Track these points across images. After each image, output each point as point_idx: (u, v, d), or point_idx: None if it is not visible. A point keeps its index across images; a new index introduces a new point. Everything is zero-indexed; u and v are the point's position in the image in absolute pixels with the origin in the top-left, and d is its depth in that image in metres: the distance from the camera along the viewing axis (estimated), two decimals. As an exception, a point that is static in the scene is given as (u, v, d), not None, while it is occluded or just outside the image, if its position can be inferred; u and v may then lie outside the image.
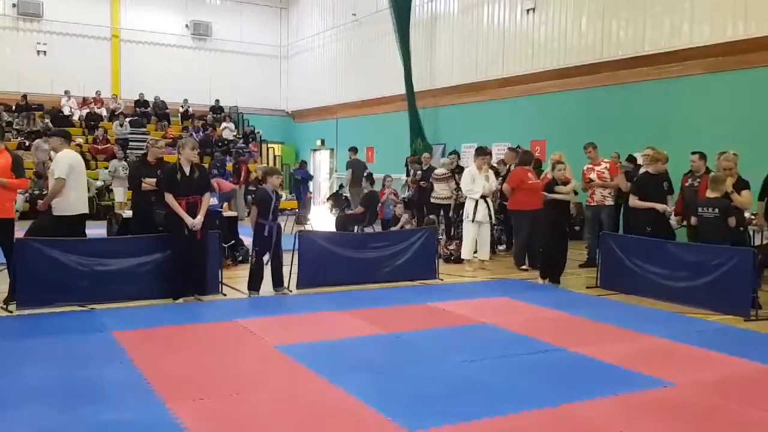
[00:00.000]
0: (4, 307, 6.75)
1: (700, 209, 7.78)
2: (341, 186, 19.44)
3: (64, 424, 3.83)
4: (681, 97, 12.04)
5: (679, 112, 11.99)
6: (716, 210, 7.57)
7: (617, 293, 8.17)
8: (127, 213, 9.13)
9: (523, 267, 9.91)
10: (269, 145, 24.61)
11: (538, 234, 9.40)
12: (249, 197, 13.67)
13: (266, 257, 7.74)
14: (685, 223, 8.76)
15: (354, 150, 17.13)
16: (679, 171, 9.37)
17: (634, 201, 8.53)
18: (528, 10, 15.15)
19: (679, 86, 12.08)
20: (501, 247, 11.81)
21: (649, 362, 5.25)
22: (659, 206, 8.32)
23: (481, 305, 7.49)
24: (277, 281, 7.87)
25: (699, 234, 7.95)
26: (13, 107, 20.77)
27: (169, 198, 7.18)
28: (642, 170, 9.54)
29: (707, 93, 11.61)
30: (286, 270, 8.03)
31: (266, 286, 7.88)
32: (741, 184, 8.00)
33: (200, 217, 7.25)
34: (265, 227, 7.67)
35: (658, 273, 7.83)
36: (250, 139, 23.67)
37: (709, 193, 7.77)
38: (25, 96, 21.21)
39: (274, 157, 24.58)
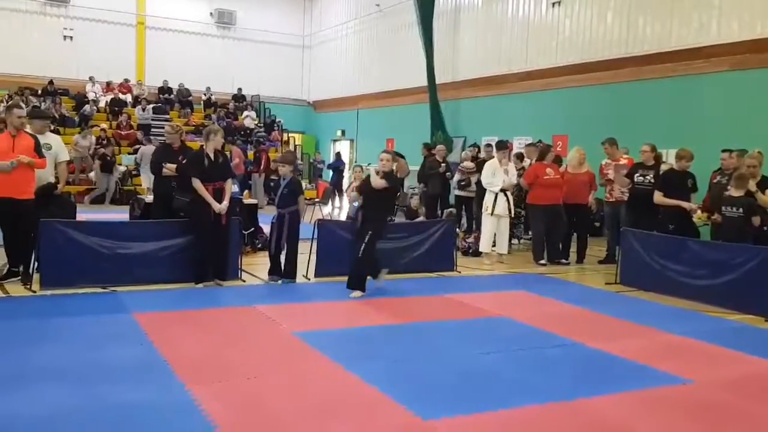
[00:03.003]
0: (28, 287, 6.88)
1: (723, 208, 7.71)
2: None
3: (84, 403, 3.90)
4: (706, 94, 11.90)
5: (704, 109, 11.85)
6: (740, 209, 7.49)
7: (637, 290, 8.12)
8: (150, 198, 9.23)
9: (542, 261, 9.87)
10: (290, 135, 24.71)
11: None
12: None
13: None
14: (709, 221, 8.66)
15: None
16: (705, 168, 9.28)
17: (659, 198, 8.47)
18: (553, 3, 15.04)
19: (705, 83, 11.94)
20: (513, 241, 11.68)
21: (667, 359, 5.23)
22: (686, 204, 8.25)
23: (498, 298, 7.49)
24: (286, 272, 7.83)
25: (722, 233, 7.87)
26: (39, 92, 21.03)
27: (197, 183, 7.25)
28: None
29: (733, 90, 11.47)
30: (304, 258, 8.09)
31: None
32: (766, 183, 7.91)
33: (226, 203, 7.35)
34: (274, 214, 7.76)
35: (679, 271, 7.77)
36: (273, 128, 23.80)
37: (733, 192, 7.70)
38: (51, 81, 21.47)
39: (295, 146, 24.69)
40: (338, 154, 20.72)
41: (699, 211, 8.69)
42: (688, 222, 8.45)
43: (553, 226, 9.85)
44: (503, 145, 10.30)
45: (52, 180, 7.64)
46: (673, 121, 12.22)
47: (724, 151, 9.14)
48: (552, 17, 15.16)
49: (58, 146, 7.75)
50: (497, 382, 4.59)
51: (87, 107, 20.82)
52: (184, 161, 7.84)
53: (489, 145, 12.19)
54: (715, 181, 9.12)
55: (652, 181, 8.94)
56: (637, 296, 7.88)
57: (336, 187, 18.31)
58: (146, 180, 15.36)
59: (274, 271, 7.84)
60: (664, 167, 9.32)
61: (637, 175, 9.20)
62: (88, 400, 3.94)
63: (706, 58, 11.88)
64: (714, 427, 3.99)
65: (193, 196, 7.33)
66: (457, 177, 12.20)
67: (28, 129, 7.22)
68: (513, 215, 10.28)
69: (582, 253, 10.16)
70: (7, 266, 7.23)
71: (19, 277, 7.09)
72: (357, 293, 7.17)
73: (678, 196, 8.35)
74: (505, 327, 6.21)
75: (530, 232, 10.90)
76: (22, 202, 6.87)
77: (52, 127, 18.24)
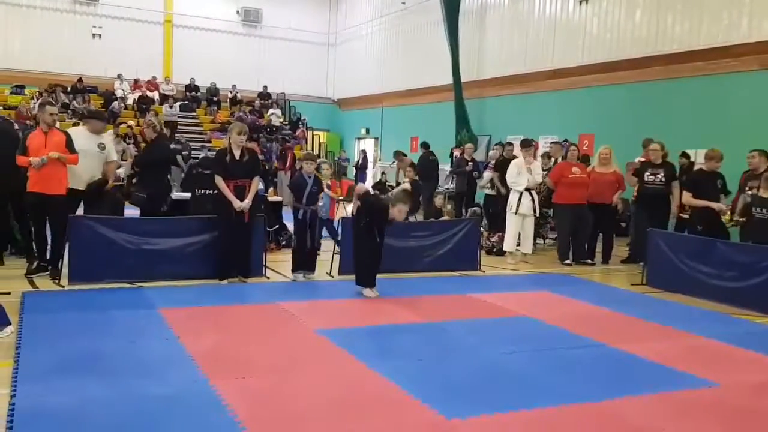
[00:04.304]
0: (57, 281, 6.99)
1: (754, 209, 7.59)
2: (383, 173, 19.58)
3: (111, 396, 3.95)
4: (736, 93, 11.71)
5: (733, 109, 11.67)
6: (770, 210, 7.36)
7: (663, 291, 8.02)
8: (176, 194, 9.32)
9: (567, 261, 9.79)
10: (315, 132, 24.80)
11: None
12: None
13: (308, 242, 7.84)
14: (738, 222, 8.54)
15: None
16: (735, 168, 9.13)
17: (688, 199, 8.37)
18: (581, 1, 14.90)
19: (735, 82, 11.75)
20: (538, 241, 11.60)
21: (694, 362, 5.15)
22: (716, 205, 8.13)
23: (522, 298, 7.44)
24: (309, 266, 7.92)
25: (752, 234, 7.75)
26: (69, 89, 21.35)
27: (219, 180, 7.31)
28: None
29: (764, 90, 11.27)
30: (328, 256, 8.12)
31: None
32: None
33: (248, 201, 7.36)
34: (299, 211, 7.78)
35: (707, 272, 7.67)
36: (298, 126, 23.92)
37: (763, 193, 7.57)
38: (80, 79, 21.79)
39: (320, 144, 24.77)
40: (363, 152, 20.94)
41: (728, 212, 8.56)
42: (717, 223, 8.33)
43: (579, 225, 9.77)
44: (528, 144, 10.24)
45: (104, 177, 7.86)
46: (702, 121, 12.05)
47: (751, 151, 8.98)
48: (579, 15, 15.02)
49: (110, 147, 8.03)
50: (521, 383, 4.56)
51: (115, 104, 21.10)
52: (143, 154, 8.19)
53: (510, 144, 12.13)
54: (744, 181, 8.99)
55: (663, 179, 8.96)
56: (664, 298, 7.78)
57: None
58: None
59: (300, 267, 7.88)
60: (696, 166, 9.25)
61: (647, 173, 9.17)
62: (115, 393, 3.99)
63: (736, 57, 11.69)
64: (741, 431, 3.93)
65: (216, 192, 7.41)
66: (489, 175, 12.09)
67: (58, 125, 7.39)
68: (538, 214, 10.21)
69: (608, 254, 10.07)
70: (37, 261, 7.36)
71: (48, 272, 7.21)
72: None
73: (707, 197, 8.24)
74: (529, 327, 6.17)
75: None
76: (53, 197, 6.99)
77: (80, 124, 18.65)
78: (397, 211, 7.02)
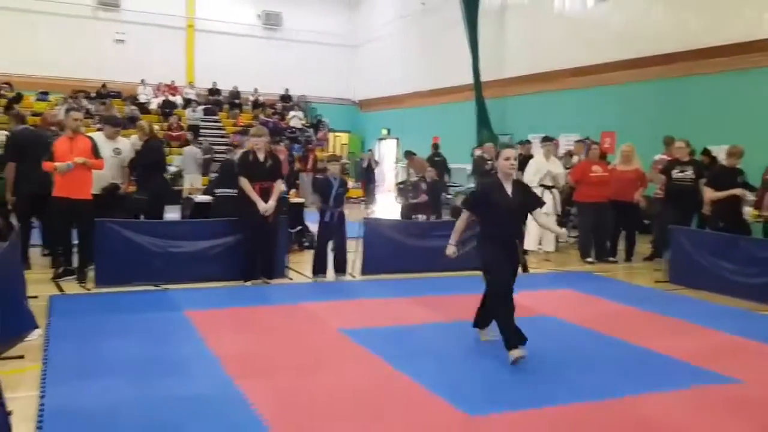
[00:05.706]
0: (83, 285, 7.12)
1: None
2: (409, 174, 19.60)
3: (138, 397, 4.04)
4: (758, 89, 11.55)
5: (757, 104, 11.51)
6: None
7: (686, 288, 7.96)
8: (200, 198, 9.43)
9: (589, 259, 9.74)
10: (336, 134, 24.88)
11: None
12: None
13: (330, 244, 7.88)
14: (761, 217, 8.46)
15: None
16: (756, 165, 9.03)
17: (711, 194, 8.31)
18: (601, -1, 14.81)
19: (757, 78, 11.59)
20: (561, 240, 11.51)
21: (718, 358, 5.12)
22: (739, 191, 8.06)
23: (544, 297, 7.42)
24: (339, 267, 7.99)
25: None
26: (93, 95, 21.64)
27: (244, 182, 7.40)
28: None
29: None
30: (351, 256, 8.18)
31: (330, 272, 8.04)
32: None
33: (272, 203, 7.44)
34: (325, 213, 7.83)
35: (730, 269, 7.59)
36: (319, 129, 24.02)
37: (787, 188, 7.50)
38: (104, 84, 22.09)
39: (341, 145, 24.84)
40: (371, 152, 20.95)
41: (752, 209, 8.49)
42: (739, 219, 8.26)
43: (601, 223, 9.71)
44: (548, 139, 10.21)
45: (119, 182, 8.04)
46: (725, 117, 11.89)
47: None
48: (600, 12, 14.91)
49: (127, 151, 8.19)
50: (544, 380, 4.57)
51: (127, 108, 21.24)
52: (135, 158, 8.26)
53: (529, 142, 12.08)
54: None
55: (693, 176, 8.88)
56: (687, 295, 7.72)
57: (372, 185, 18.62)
58: (188, 180, 15.73)
59: (320, 270, 7.93)
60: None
61: (676, 171, 9.09)
62: (142, 394, 4.08)
63: (759, 52, 11.53)
64: (765, 427, 3.91)
65: (241, 194, 7.49)
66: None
67: (83, 130, 7.53)
68: (560, 213, 10.16)
69: (630, 251, 10.00)
70: (63, 265, 7.48)
71: (75, 276, 7.34)
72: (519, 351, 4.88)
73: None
74: (551, 325, 6.16)
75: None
76: (79, 201, 7.11)
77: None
78: (503, 159, 5.11)
